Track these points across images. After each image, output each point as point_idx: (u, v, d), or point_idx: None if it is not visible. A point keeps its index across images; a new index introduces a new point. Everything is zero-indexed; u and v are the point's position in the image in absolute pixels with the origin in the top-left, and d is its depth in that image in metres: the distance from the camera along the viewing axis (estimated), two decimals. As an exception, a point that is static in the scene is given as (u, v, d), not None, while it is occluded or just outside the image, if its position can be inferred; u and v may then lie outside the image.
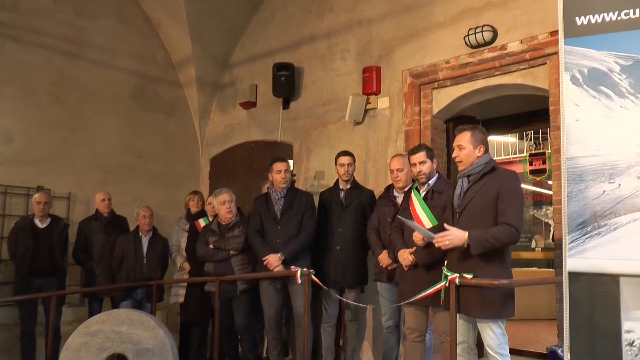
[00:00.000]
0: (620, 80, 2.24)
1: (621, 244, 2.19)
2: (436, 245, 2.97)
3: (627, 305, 2.15)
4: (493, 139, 7.99)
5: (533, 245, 9.00)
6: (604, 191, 2.25)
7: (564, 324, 2.23)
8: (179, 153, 6.86)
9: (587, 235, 2.26)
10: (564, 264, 2.26)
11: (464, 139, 3.10)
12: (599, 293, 2.22)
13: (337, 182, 4.57)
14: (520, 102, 4.82)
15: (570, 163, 2.30)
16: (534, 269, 7.96)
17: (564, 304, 2.23)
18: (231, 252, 4.44)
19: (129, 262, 5.09)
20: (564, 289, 2.23)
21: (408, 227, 3.43)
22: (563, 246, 2.27)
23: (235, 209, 4.62)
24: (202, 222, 5.04)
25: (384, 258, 4.02)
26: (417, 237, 3.29)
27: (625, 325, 2.14)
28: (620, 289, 2.17)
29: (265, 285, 4.32)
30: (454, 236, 2.90)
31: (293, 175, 5.19)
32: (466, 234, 2.88)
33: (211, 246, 4.50)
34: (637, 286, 2.14)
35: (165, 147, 6.73)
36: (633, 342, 2.13)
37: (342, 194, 4.46)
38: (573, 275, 2.26)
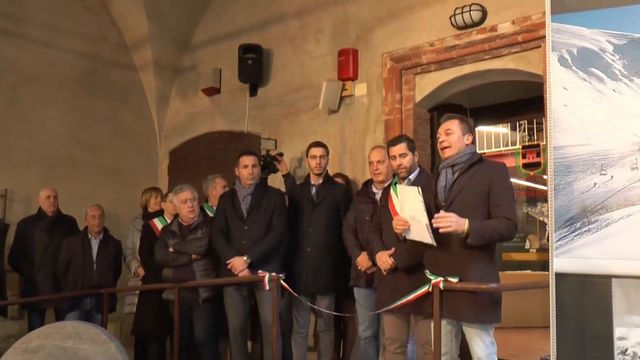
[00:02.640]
0: (613, 61, 2.24)
1: (613, 242, 2.19)
2: (434, 225, 2.91)
3: (620, 310, 2.16)
4: (482, 129, 8.03)
5: (527, 245, 9.09)
6: (595, 184, 2.26)
7: (550, 329, 2.24)
8: (133, 145, 6.78)
9: (576, 233, 2.27)
10: (550, 263, 2.27)
11: (453, 125, 3.14)
12: (589, 296, 2.22)
13: (308, 176, 4.56)
14: (512, 89, 4.87)
15: (558, 153, 2.30)
16: (528, 271, 8.06)
17: (550, 307, 2.25)
18: (193, 256, 4.40)
19: (76, 268, 5.01)
20: (550, 291, 2.24)
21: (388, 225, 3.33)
22: (550, 244, 2.29)
23: (199, 208, 4.58)
24: (157, 222, 4.98)
25: (362, 261, 4.01)
26: (399, 222, 3.17)
27: (618, 331, 2.16)
28: (612, 291, 2.18)
29: (229, 291, 4.30)
30: (456, 218, 2.86)
31: (280, 155, 5.15)
32: (467, 221, 2.87)
33: (171, 249, 4.45)
34: (631, 288, 2.16)
35: (119, 138, 6.64)
36: (626, 350, 2.14)
37: (313, 190, 4.45)
38: (560, 276, 2.27)
